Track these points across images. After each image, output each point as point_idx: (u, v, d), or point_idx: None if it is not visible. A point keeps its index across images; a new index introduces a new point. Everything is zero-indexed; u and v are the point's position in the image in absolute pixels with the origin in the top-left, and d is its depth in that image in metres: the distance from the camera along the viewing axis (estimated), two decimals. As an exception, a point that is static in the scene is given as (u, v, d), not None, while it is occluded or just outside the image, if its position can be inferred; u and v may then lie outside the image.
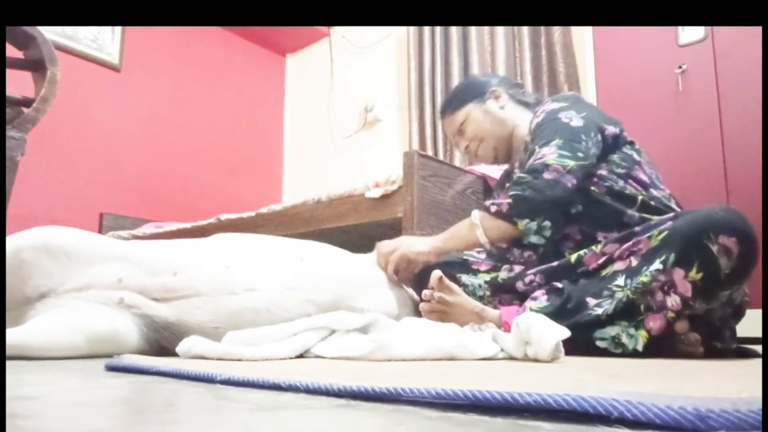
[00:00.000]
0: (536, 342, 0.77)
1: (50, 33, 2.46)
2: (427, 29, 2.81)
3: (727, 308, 0.96)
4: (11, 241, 0.95)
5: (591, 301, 0.94)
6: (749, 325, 1.69)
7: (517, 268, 1.15)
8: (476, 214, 1.15)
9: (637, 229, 0.97)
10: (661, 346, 0.90)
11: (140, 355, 0.83)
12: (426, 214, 1.65)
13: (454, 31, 2.69)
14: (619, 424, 0.34)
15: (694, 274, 0.85)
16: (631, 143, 1.16)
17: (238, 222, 2.00)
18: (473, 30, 2.62)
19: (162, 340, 0.99)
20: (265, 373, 0.56)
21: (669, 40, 2.09)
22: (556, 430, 0.34)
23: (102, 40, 2.77)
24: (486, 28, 2.61)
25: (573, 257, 1.03)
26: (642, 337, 0.89)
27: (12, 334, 0.82)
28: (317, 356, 0.87)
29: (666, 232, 0.90)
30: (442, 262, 1.19)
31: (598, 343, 0.92)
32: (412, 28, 2.86)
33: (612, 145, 1.12)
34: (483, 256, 1.22)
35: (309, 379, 0.50)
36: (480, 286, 1.15)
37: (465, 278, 1.16)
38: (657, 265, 0.88)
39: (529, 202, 1.06)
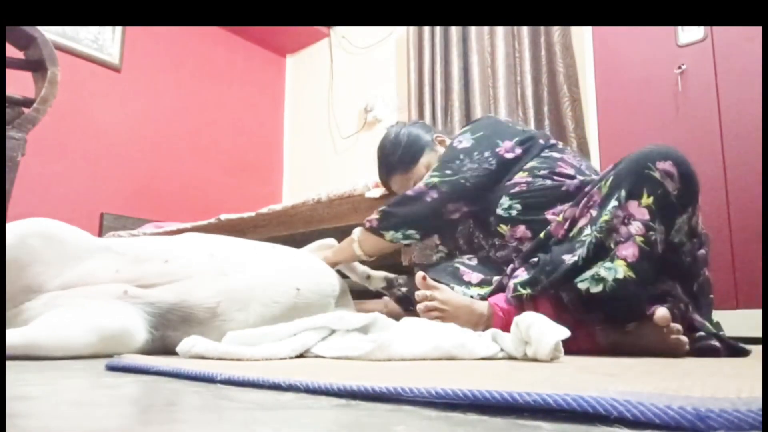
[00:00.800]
0: (536, 341, 0.77)
1: (51, 33, 2.47)
2: (427, 29, 2.81)
3: (694, 240, 0.99)
4: (15, 227, 0.96)
5: (566, 257, 0.98)
6: (749, 325, 1.70)
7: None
8: (356, 231, 1.31)
9: (587, 189, 1.05)
10: (649, 335, 0.91)
11: (141, 355, 0.83)
12: (426, 215, 1.64)
13: (454, 31, 2.69)
14: (618, 424, 0.34)
15: (646, 199, 0.92)
16: (551, 146, 1.27)
17: (238, 222, 2.00)
18: (473, 30, 2.62)
19: (168, 330, 0.99)
20: (265, 373, 0.56)
21: (668, 40, 2.09)
22: (555, 429, 0.34)
23: (102, 41, 2.78)
24: (486, 29, 2.61)
25: (542, 234, 1.09)
26: (620, 266, 0.91)
27: (24, 334, 0.82)
28: (317, 356, 0.87)
29: (612, 177, 0.98)
30: (433, 271, 1.22)
31: (580, 285, 0.94)
32: (412, 29, 2.86)
33: (514, 158, 1.23)
34: (474, 262, 1.25)
35: (309, 379, 0.50)
36: (472, 297, 1.16)
37: (458, 288, 1.17)
38: (613, 203, 0.95)
39: (393, 216, 1.24)
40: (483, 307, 1.06)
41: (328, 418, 0.39)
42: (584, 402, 0.36)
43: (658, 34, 2.12)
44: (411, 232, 1.24)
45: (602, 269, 0.92)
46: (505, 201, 1.20)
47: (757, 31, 1.89)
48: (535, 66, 2.45)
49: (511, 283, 1.05)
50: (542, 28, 2.44)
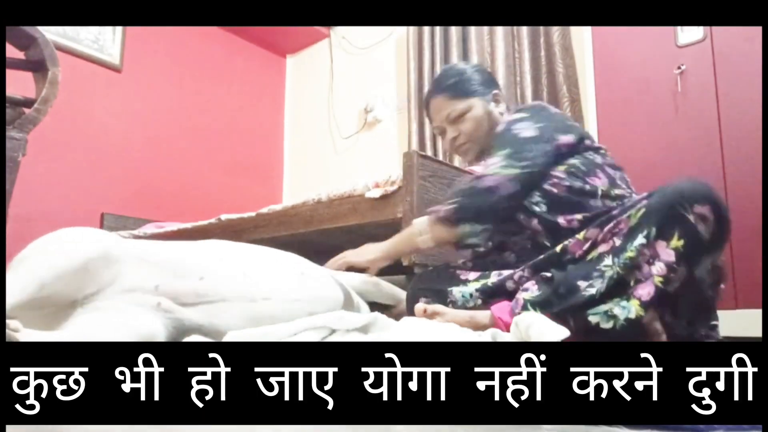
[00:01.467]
0: (536, 341, 0.77)
1: (51, 33, 2.47)
2: (426, 29, 2.82)
3: (715, 276, 0.98)
4: (76, 245, 0.96)
5: (582, 283, 0.96)
6: (749, 324, 1.70)
7: (505, 272, 1.16)
8: (423, 220, 1.24)
9: (615, 212, 1.02)
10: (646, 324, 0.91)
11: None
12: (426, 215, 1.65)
13: (454, 31, 2.69)
14: (619, 423, 0.35)
15: (676, 242, 0.89)
16: (596, 149, 1.21)
17: (239, 222, 2.00)
18: (473, 30, 2.62)
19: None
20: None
21: (668, 40, 2.10)
22: (555, 430, 0.35)
23: (103, 41, 2.78)
24: (485, 29, 2.61)
25: (558, 248, 1.07)
26: (634, 305, 0.90)
27: (73, 334, 0.87)
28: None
29: (643, 210, 0.94)
30: (428, 278, 1.22)
31: (591, 318, 0.93)
32: (412, 29, 2.87)
33: (566, 153, 1.17)
34: (470, 264, 1.25)
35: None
36: (471, 295, 1.16)
37: (455, 290, 1.17)
38: (640, 239, 0.92)
39: (471, 208, 1.14)
40: (485, 317, 1.05)
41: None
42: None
43: (657, 34, 2.12)
44: (483, 227, 1.16)
45: (617, 307, 0.91)
46: (534, 195, 1.15)
47: (756, 31, 1.89)
48: (535, 66, 2.46)
49: (521, 297, 1.02)
50: (542, 28, 2.44)
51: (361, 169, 3.10)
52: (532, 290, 1.02)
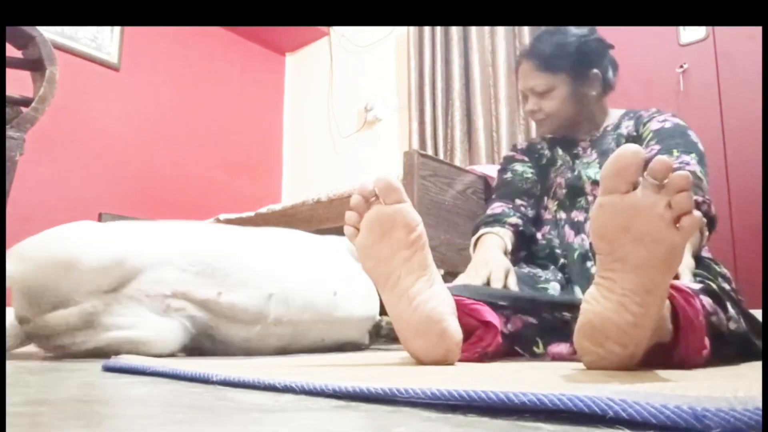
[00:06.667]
0: None
1: (49, 32, 2.46)
2: (427, 29, 2.81)
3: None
4: (114, 246, 1.00)
5: None
6: (749, 324, 1.70)
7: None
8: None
9: None
10: None
11: (137, 356, 0.83)
12: (426, 214, 1.64)
13: (454, 30, 2.69)
14: (619, 424, 0.34)
15: None
16: None
17: (238, 222, 2.00)
18: (473, 29, 2.61)
19: (202, 343, 1.10)
20: (262, 374, 0.56)
21: (670, 39, 2.09)
22: (555, 430, 0.34)
23: (101, 40, 2.77)
24: (486, 28, 2.60)
25: None
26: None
27: (131, 338, 0.94)
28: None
29: None
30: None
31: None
32: (412, 28, 2.86)
33: None
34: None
35: (306, 380, 0.50)
36: None
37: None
38: None
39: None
40: None
41: (327, 419, 0.39)
42: (580, 402, 0.36)
43: (659, 33, 2.12)
44: None
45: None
46: None
47: (758, 30, 1.89)
48: (535, 65, 2.45)
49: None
50: (543, 27, 2.43)
51: (361, 168, 3.10)
52: None
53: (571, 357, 0.82)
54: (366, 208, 0.75)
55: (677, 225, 0.58)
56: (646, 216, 0.59)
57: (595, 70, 1.22)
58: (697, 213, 0.58)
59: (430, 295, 0.74)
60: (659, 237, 0.59)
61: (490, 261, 1.04)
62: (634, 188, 0.60)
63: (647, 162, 0.60)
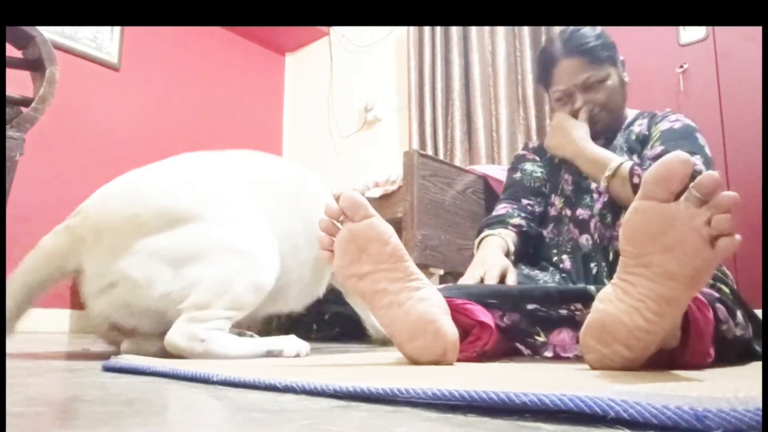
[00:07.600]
0: None
1: (49, 32, 2.46)
2: (427, 29, 2.81)
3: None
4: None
5: None
6: (749, 324, 1.70)
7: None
8: (626, 166, 1.08)
9: None
10: None
11: (137, 356, 0.83)
12: (426, 214, 1.64)
13: (454, 30, 2.69)
14: (620, 424, 0.34)
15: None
16: None
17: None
18: (473, 30, 2.61)
19: None
20: (261, 374, 0.56)
21: (670, 39, 2.09)
22: (556, 430, 0.34)
23: (101, 40, 2.77)
24: (486, 28, 2.60)
25: None
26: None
27: (209, 350, 0.93)
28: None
29: None
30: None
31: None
32: (412, 28, 2.86)
33: None
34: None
35: (306, 380, 0.50)
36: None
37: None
38: None
39: None
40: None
41: (328, 419, 0.39)
42: (581, 402, 0.36)
43: (659, 33, 2.12)
44: None
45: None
46: None
47: (758, 30, 1.89)
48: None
49: None
50: (543, 27, 2.43)
51: (361, 168, 3.09)
52: None
53: (573, 346, 0.83)
54: (336, 229, 0.76)
55: (713, 243, 0.57)
56: (682, 228, 0.58)
57: (622, 58, 1.26)
58: (737, 237, 0.57)
59: (420, 297, 0.75)
60: (692, 251, 0.58)
61: (486, 261, 1.04)
62: (675, 197, 0.59)
63: (694, 173, 0.58)
